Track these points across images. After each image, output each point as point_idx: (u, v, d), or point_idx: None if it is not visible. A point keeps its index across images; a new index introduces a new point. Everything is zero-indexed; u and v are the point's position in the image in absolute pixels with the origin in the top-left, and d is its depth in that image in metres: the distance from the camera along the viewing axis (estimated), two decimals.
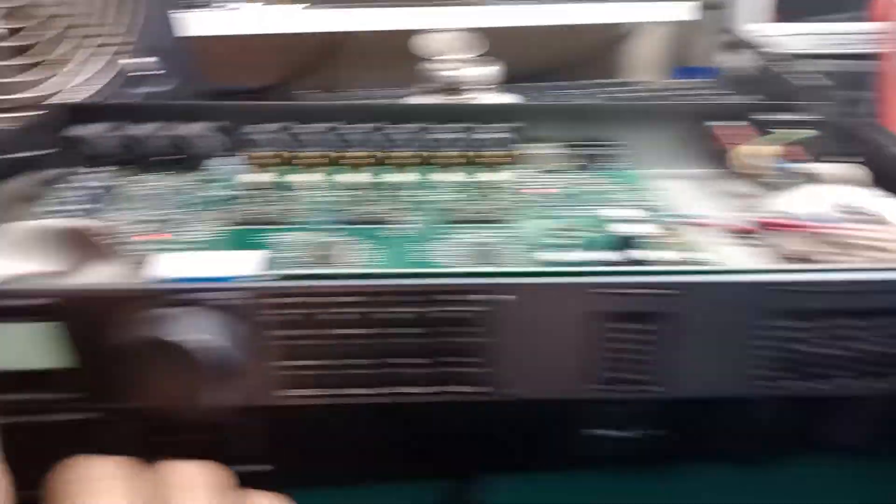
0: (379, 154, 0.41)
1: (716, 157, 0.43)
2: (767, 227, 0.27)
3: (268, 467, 0.24)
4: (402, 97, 0.57)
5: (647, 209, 0.37)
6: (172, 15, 0.50)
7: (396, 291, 0.22)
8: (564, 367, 0.24)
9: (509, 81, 0.72)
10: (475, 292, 0.22)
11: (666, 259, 0.28)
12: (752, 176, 0.40)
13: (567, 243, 0.33)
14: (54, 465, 0.25)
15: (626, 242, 0.30)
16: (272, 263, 0.31)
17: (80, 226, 0.23)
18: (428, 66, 0.49)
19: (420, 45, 0.50)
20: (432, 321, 0.23)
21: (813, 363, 0.25)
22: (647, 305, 0.23)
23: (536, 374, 0.24)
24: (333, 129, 0.41)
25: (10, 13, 0.43)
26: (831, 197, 0.34)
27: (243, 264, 0.23)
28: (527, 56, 0.80)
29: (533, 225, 0.36)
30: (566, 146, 0.43)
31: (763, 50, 0.54)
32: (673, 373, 0.25)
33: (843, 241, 0.27)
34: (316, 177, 0.40)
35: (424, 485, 0.28)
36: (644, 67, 0.84)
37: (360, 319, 0.22)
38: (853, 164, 0.37)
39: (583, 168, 0.42)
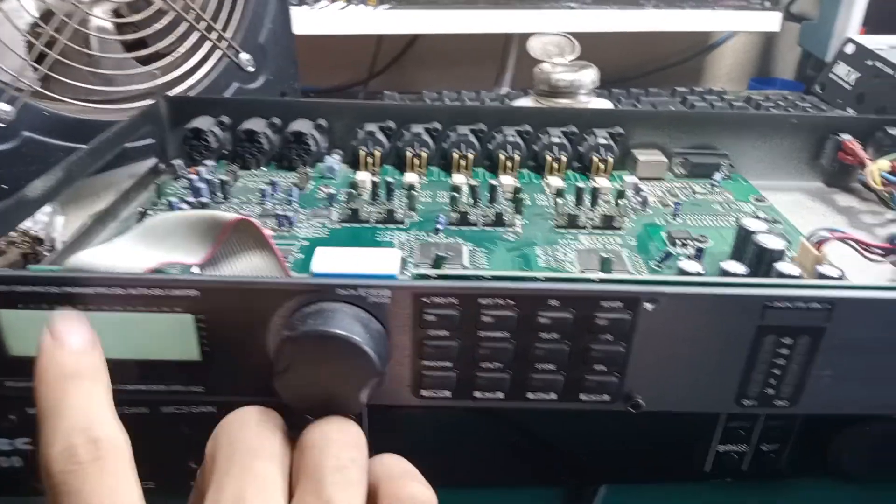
0: (482, 156, 0.41)
1: (838, 170, 0.41)
2: None
3: None
4: (489, 99, 0.57)
5: (772, 221, 0.36)
6: (272, 11, 0.50)
7: (548, 296, 0.22)
8: (705, 380, 0.23)
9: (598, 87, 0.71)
10: (628, 300, 0.22)
11: (807, 273, 0.27)
12: (877, 192, 0.38)
13: (691, 252, 0.32)
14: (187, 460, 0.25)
15: (763, 255, 0.29)
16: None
17: (232, 218, 0.23)
18: (533, 69, 0.48)
19: (528, 47, 0.49)
20: (579, 328, 0.22)
21: None
22: (802, 320, 0.22)
23: (674, 386, 0.23)
24: (435, 129, 0.41)
25: (120, 6, 0.44)
26: None
27: (389, 263, 0.22)
28: (612, 60, 0.79)
29: (647, 232, 0.35)
30: (672, 154, 0.41)
31: (868, 63, 0.51)
32: (818, 390, 0.23)
33: None
34: (419, 177, 0.40)
35: (545, 491, 0.27)
36: (725, 77, 0.82)
37: (507, 323, 0.22)
38: None
39: (690, 176, 0.41)
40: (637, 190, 0.38)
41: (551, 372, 0.23)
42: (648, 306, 0.22)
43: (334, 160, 0.40)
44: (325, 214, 0.35)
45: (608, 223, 0.35)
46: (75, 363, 0.19)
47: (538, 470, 0.28)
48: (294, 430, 0.20)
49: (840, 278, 0.27)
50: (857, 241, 0.28)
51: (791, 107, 0.61)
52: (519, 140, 0.40)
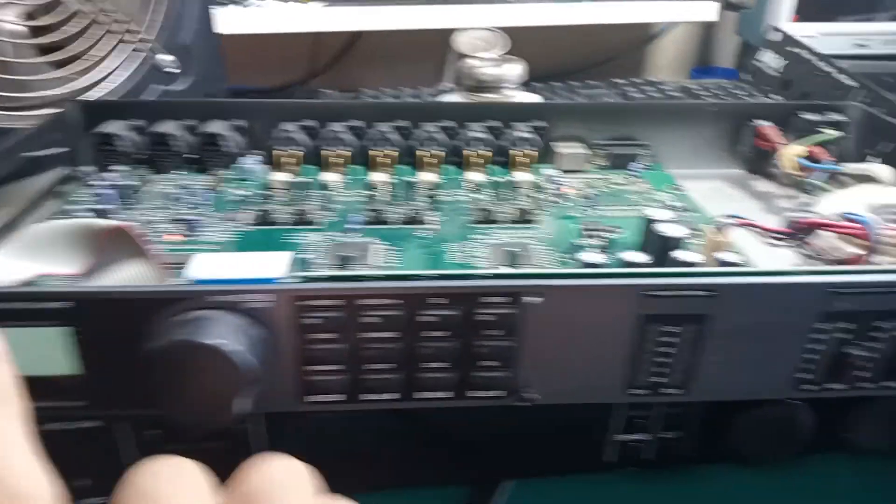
0: (404, 153, 0.41)
1: (755, 157, 0.42)
2: (807, 228, 0.26)
3: None
4: (429, 96, 0.56)
5: (683, 209, 0.36)
6: (195, 12, 0.49)
7: (431, 294, 0.21)
8: (595, 371, 0.23)
9: (535, 80, 0.72)
10: (508, 294, 0.21)
11: (707, 261, 0.27)
12: (791, 177, 0.38)
13: (600, 244, 0.32)
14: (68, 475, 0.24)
15: (665, 243, 0.29)
16: (296, 265, 0.30)
17: (107, 226, 0.22)
18: (458, 63, 0.48)
19: (452, 42, 0.49)
20: (465, 324, 0.22)
21: (857, 365, 0.24)
22: (687, 308, 0.22)
23: (566, 378, 0.23)
24: (358, 127, 0.40)
25: (34, 9, 0.43)
26: (874, 197, 0.32)
27: (274, 266, 0.22)
28: (552, 54, 0.79)
29: (563, 225, 0.35)
30: (594, 145, 0.41)
31: (796, 50, 0.52)
32: (710, 376, 0.23)
33: (888, 242, 0.26)
34: (340, 176, 0.39)
35: (447, 490, 0.27)
36: (667, 67, 0.83)
37: (392, 322, 0.22)
38: (890, 167, 0.36)
39: (612, 168, 0.41)
40: (556, 183, 0.38)
41: (443, 370, 0.23)
42: (533, 300, 0.22)
43: (252, 161, 0.39)
44: (237, 218, 0.35)
45: (524, 217, 0.35)
46: None
47: (440, 468, 0.28)
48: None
49: (736, 264, 0.27)
50: (757, 227, 0.28)
51: (727, 95, 0.61)
52: (440, 136, 0.40)
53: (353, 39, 0.79)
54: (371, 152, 0.40)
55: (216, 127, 0.40)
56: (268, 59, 0.72)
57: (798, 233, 0.27)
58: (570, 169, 0.41)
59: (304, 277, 0.23)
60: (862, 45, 0.66)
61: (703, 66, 0.82)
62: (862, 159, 0.41)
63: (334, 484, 0.25)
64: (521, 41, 0.78)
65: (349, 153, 0.40)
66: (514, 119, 0.41)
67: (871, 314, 0.23)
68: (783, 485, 0.28)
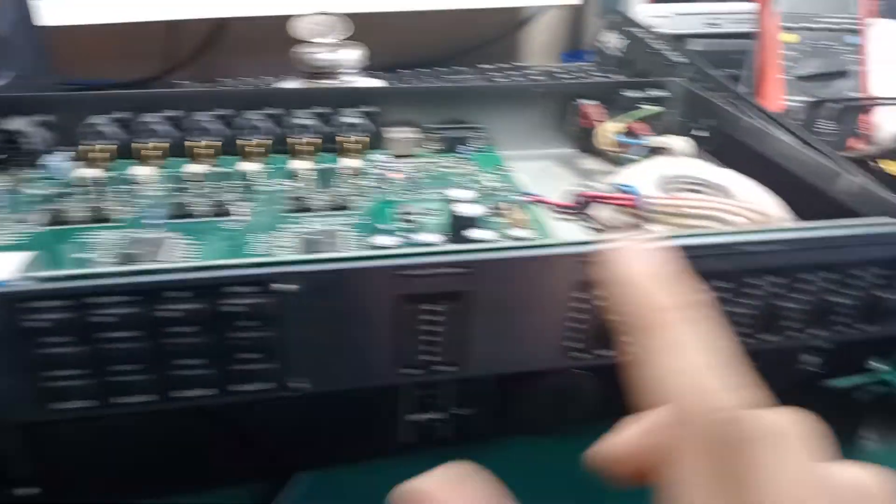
0: (226, 142, 0.39)
1: (582, 135, 0.43)
2: (586, 201, 0.27)
3: (34, 490, 0.22)
4: (272, 84, 0.55)
5: (491, 189, 0.36)
6: (10, 1, 0.46)
7: (168, 287, 0.20)
8: (362, 354, 0.23)
9: (401, 67, 0.71)
10: (255, 283, 0.21)
11: (488, 238, 0.27)
12: (608, 153, 0.39)
13: (408, 227, 0.32)
14: None
15: (461, 223, 0.29)
16: (66, 263, 0.28)
17: None
18: (297, 50, 0.47)
19: (291, 29, 0.48)
20: (215, 317, 0.21)
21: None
22: (444, 286, 0.22)
23: (335, 364, 0.23)
24: (176, 117, 0.39)
25: None
26: (669, 168, 0.34)
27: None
28: (421, 42, 0.79)
29: (379, 210, 0.34)
30: (427, 130, 0.41)
31: (632, 30, 0.54)
32: (479, 351, 0.24)
33: (661, 212, 0.27)
34: (154, 170, 0.37)
35: (238, 489, 0.26)
36: (539, 52, 0.84)
37: (130, 320, 0.20)
38: (687, 138, 0.37)
39: (445, 151, 0.41)
40: (383, 168, 0.38)
41: (199, 367, 0.22)
42: (286, 287, 0.21)
43: (61, 158, 0.37)
44: (28, 219, 0.32)
45: (341, 204, 0.34)
46: None
47: (232, 465, 0.27)
48: None
49: (514, 239, 0.28)
50: (547, 202, 0.29)
51: (571, 76, 0.63)
52: (265, 124, 0.39)
53: (218, 29, 0.76)
54: (188, 143, 0.38)
55: (17, 124, 0.37)
56: (121, 51, 0.68)
57: (581, 206, 0.27)
58: (401, 153, 0.40)
59: (38, 278, 0.21)
60: (713, 25, 0.69)
61: (573, 49, 0.83)
62: (688, 133, 0.43)
63: (122, 491, 0.23)
64: (388, 28, 0.78)
65: (166, 145, 0.38)
66: (344, 105, 0.41)
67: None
68: (579, 451, 0.28)
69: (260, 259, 0.21)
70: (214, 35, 0.75)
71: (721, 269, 0.24)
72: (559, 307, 0.23)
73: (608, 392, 0.28)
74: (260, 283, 0.21)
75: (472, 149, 0.41)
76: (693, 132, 0.42)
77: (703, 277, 0.24)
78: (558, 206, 0.28)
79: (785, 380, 0.30)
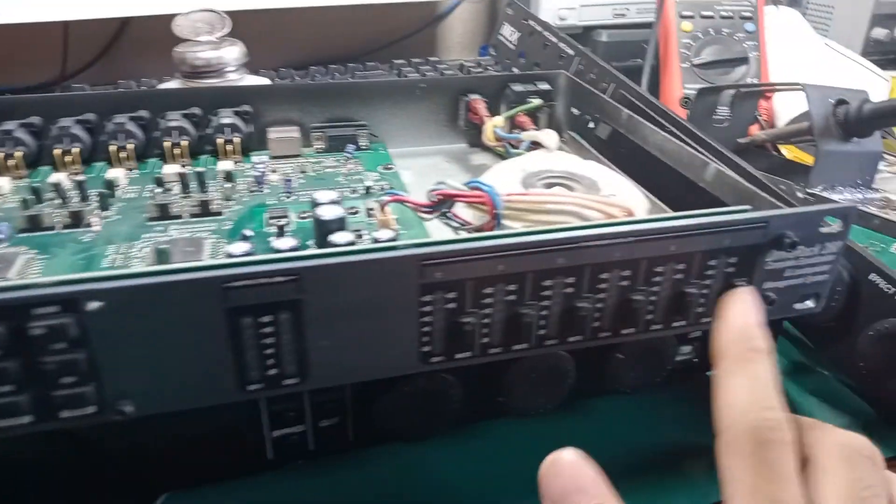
0: (99, 149, 0.37)
1: (472, 131, 0.42)
2: (440, 199, 0.26)
3: None
4: (157, 86, 0.53)
5: (376, 190, 0.35)
6: None
7: None
8: (200, 372, 0.22)
9: (313, 64, 0.69)
10: (54, 303, 0.19)
11: (345, 241, 0.26)
12: (494, 147, 0.39)
13: (275, 233, 0.31)
14: None
15: (323, 226, 0.28)
16: None
17: None
18: (178, 49, 0.45)
19: (173, 26, 0.46)
20: (19, 341, 0.19)
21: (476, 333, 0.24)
22: (274, 296, 0.21)
23: (168, 383, 0.22)
24: (35, 125, 0.36)
25: None
26: (535, 163, 0.33)
27: None
28: (336, 37, 0.77)
29: (250, 215, 0.33)
30: (311, 129, 0.40)
31: (528, 23, 0.53)
32: (326, 361, 0.23)
33: (518, 208, 0.26)
34: (10, 181, 0.35)
35: None
36: (458, 46, 0.83)
37: None
38: (551, 131, 0.37)
39: (330, 151, 0.40)
40: (260, 170, 0.36)
41: (10, 394, 0.20)
42: (93, 305, 0.20)
43: None
44: None
45: (206, 209, 0.33)
46: None
47: (89, 491, 0.25)
48: None
49: (385, 241, 0.27)
50: (408, 202, 0.28)
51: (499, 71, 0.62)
52: (133, 128, 0.37)
53: (122, 27, 0.73)
54: (55, 151, 0.36)
55: None
56: (20, 54, 0.65)
57: (439, 205, 0.26)
58: (282, 154, 0.39)
59: None
60: (620, 15, 0.69)
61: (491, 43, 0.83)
62: (583, 123, 0.43)
63: None
64: (302, 25, 0.76)
65: (21, 153, 0.36)
66: (223, 105, 0.39)
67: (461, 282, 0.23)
68: (449, 457, 0.28)
69: (62, 277, 0.20)
70: (116, 36, 0.72)
71: (570, 263, 0.23)
72: (407, 312, 0.23)
73: (473, 395, 0.27)
74: (60, 302, 0.20)
75: (355, 147, 0.40)
76: (590, 122, 0.42)
77: (554, 272, 0.23)
78: (417, 205, 0.27)
79: (661, 371, 0.31)
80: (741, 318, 0.23)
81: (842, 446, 0.21)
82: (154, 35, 0.72)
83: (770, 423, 0.20)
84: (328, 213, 0.28)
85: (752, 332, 0.23)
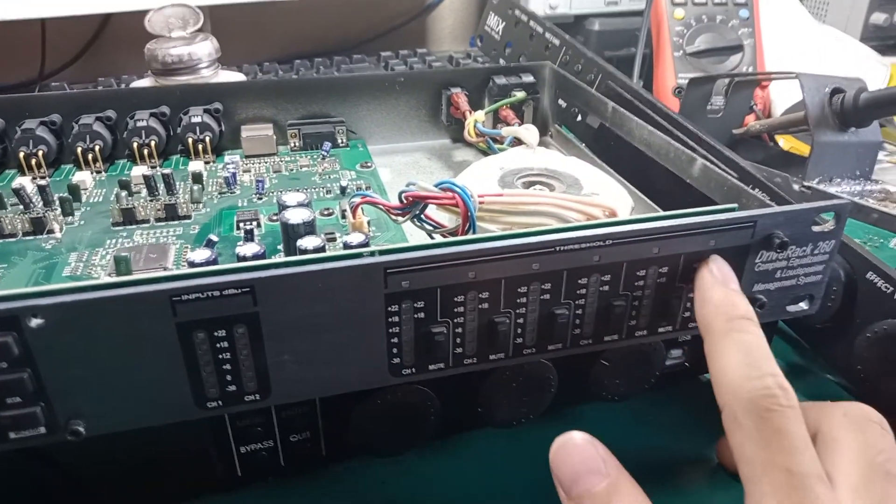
0: (55, 152, 0.36)
1: (455, 126, 0.41)
2: (410, 201, 0.25)
3: None
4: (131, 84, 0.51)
5: (337, 190, 0.34)
6: None
7: None
8: (158, 389, 0.20)
9: (301, 57, 0.68)
10: None
11: (312, 246, 0.25)
12: (476, 143, 0.37)
13: (240, 236, 0.30)
14: None
15: (290, 230, 0.27)
16: None
17: None
18: (150, 46, 0.43)
19: (147, 23, 0.44)
20: None
21: (457, 343, 0.22)
22: (227, 309, 0.20)
23: (121, 404, 0.20)
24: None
25: None
26: (513, 161, 0.32)
27: None
28: (327, 30, 0.76)
29: (219, 218, 0.32)
30: (287, 126, 0.39)
31: (511, 12, 0.51)
32: (288, 377, 0.21)
33: (492, 210, 0.25)
34: None
35: None
36: (448, 37, 0.82)
37: None
38: (530, 126, 0.36)
39: (306, 149, 0.39)
40: (231, 171, 0.35)
41: None
42: (33, 322, 0.19)
43: None
44: None
45: (174, 213, 0.31)
46: None
47: None
48: None
49: (358, 244, 0.25)
50: (379, 204, 0.26)
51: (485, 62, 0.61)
52: (100, 129, 0.36)
53: (104, 23, 0.71)
54: (20, 155, 0.35)
55: None
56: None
57: (411, 207, 0.25)
58: (256, 153, 0.38)
59: None
60: (613, 3, 0.68)
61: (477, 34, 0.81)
62: (572, 116, 0.41)
63: None
64: (290, 17, 0.74)
65: None
66: (195, 103, 0.38)
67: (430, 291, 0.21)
68: (427, 472, 0.26)
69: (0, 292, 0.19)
70: (97, 33, 0.71)
71: (547, 268, 0.22)
72: (373, 323, 0.21)
73: (451, 406, 0.26)
74: (7, 319, 0.18)
75: (331, 145, 0.38)
76: (579, 115, 0.41)
77: (529, 278, 0.22)
78: (388, 207, 0.26)
79: (649, 378, 0.29)
80: (718, 288, 0.22)
81: (849, 415, 0.20)
82: (134, 33, 0.71)
83: (767, 391, 0.19)
84: (295, 216, 0.27)
85: (731, 300, 0.22)
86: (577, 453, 0.19)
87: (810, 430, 0.19)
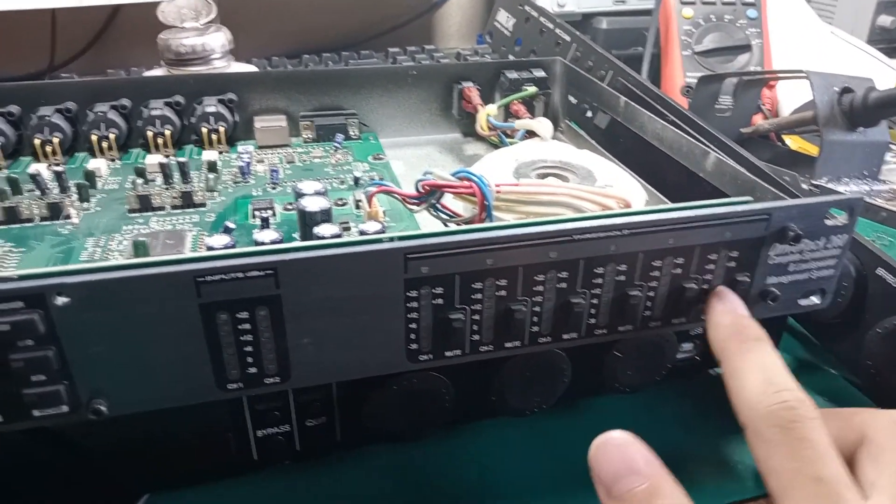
0: (81, 139, 0.36)
1: (466, 120, 0.41)
2: (428, 190, 0.25)
3: None
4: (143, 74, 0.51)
5: (351, 181, 0.34)
6: None
7: None
8: (180, 370, 0.21)
9: (308, 52, 0.68)
10: (19, 298, 0.18)
11: (330, 234, 0.25)
12: (489, 137, 0.38)
13: (258, 224, 0.30)
14: None
15: (307, 218, 0.27)
16: None
17: None
18: (163, 36, 0.43)
19: (159, 13, 0.45)
20: None
21: (475, 330, 0.23)
22: (250, 291, 0.20)
23: (145, 382, 0.21)
24: (11, 114, 0.35)
25: None
26: (528, 153, 0.32)
27: None
28: (334, 25, 0.76)
29: (234, 206, 0.32)
30: (300, 118, 0.39)
31: (521, 8, 0.52)
32: (307, 360, 0.21)
33: (508, 199, 0.25)
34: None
35: None
36: (455, 34, 0.82)
37: None
38: (543, 118, 0.36)
39: (319, 140, 0.39)
40: (245, 161, 0.35)
41: None
42: (59, 300, 0.19)
43: None
44: None
45: (189, 201, 0.32)
46: None
47: (69, 492, 0.24)
48: None
49: (374, 233, 0.26)
50: (395, 193, 0.27)
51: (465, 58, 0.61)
52: (115, 117, 0.36)
53: (110, 18, 0.71)
54: (35, 141, 0.35)
55: None
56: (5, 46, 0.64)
57: (427, 196, 0.25)
58: (269, 144, 0.38)
59: None
60: (621, 2, 0.68)
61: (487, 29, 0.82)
62: (581, 112, 0.41)
63: None
64: (298, 11, 0.75)
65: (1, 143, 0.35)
66: (208, 94, 0.38)
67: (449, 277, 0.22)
68: (440, 458, 0.27)
69: (27, 271, 0.19)
70: (107, 24, 0.71)
71: (563, 257, 0.22)
72: (392, 308, 0.21)
73: (466, 394, 0.26)
74: (25, 298, 0.19)
75: (344, 137, 0.39)
76: (589, 110, 0.41)
77: (546, 267, 0.22)
78: (404, 196, 0.26)
79: (661, 370, 0.29)
80: (729, 314, 0.23)
81: None
82: (144, 24, 0.71)
83: (787, 404, 0.19)
84: (312, 204, 0.27)
85: (743, 323, 0.22)
86: (618, 453, 0.19)
87: (855, 435, 0.20)
